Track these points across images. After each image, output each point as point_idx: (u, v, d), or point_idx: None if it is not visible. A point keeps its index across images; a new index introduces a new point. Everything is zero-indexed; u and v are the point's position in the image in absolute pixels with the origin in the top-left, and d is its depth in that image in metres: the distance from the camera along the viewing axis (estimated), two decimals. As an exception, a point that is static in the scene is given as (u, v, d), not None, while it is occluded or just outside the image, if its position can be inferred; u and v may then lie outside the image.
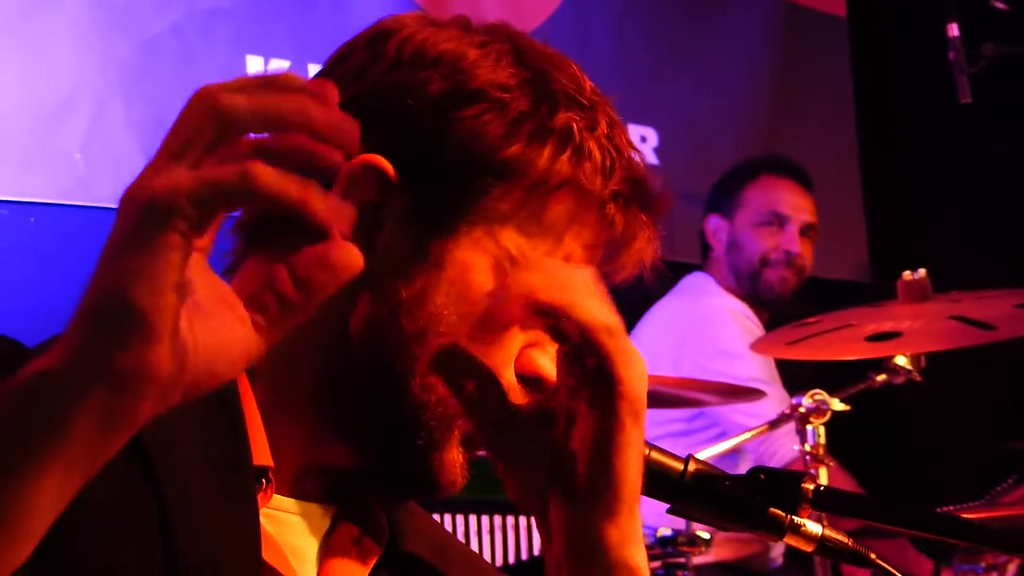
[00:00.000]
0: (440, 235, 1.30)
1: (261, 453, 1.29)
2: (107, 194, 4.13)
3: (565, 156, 1.31)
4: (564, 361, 1.23)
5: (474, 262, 1.30)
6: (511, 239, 1.31)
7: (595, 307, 1.19)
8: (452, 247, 1.30)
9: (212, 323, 0.96)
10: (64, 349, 0.93)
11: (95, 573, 1.16)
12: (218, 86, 0.95)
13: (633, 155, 1.37)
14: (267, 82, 0.95)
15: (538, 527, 1.29)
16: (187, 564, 1.19)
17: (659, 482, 1.29)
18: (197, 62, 4.36)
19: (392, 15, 1.40)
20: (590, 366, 1.19)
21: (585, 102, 1.33)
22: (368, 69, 1.33)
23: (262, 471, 1.29)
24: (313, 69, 4.28)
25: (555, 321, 1.19)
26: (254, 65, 4.45)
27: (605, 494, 1.20)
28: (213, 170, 0.92)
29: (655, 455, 1.30)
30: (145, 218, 0.91)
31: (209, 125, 0.94)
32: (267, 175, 0.92)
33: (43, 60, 4.10)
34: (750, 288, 4.52)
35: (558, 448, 1.24)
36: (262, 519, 1.26)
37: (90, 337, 0.92)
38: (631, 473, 1.21)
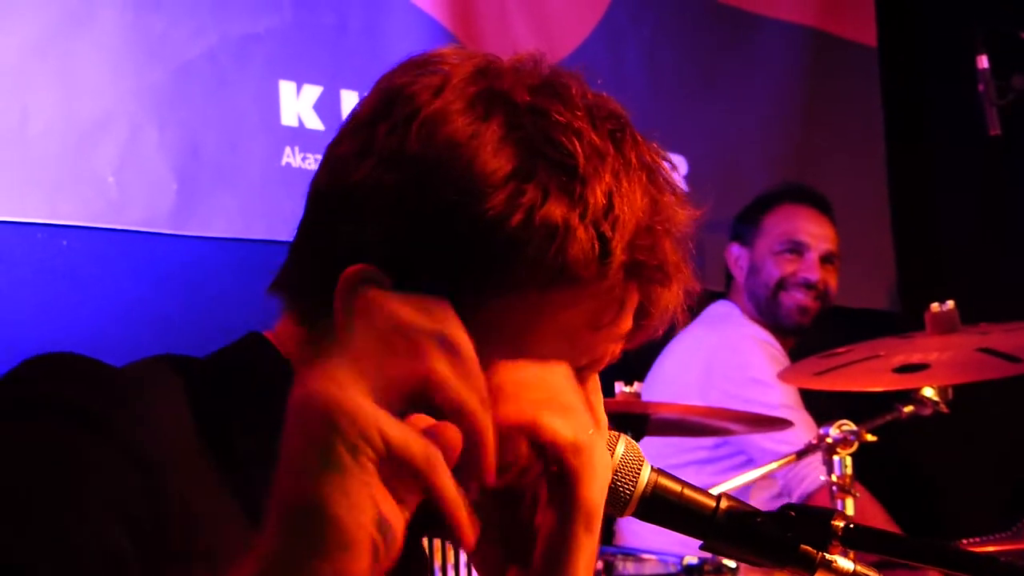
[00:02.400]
0: None
1: None
2: (139, 218, 4.15)
3: (552, 250, 1.28)
4: (534, 452, 1.24)
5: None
6: (513, 338, 1.31)
7: (559, 423, 1.20)
8: None
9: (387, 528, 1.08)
10: (262, 555, 1.05)
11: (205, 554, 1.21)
12: (429, 333, 1.11)
13: (659, 202, 1.34)
14: (470, 372, 1.11)
15: None
16: None
17: (692, 520, 1.31)
18: (230, 87, 4.36)
19: (405, 67, 1.40)
20: (553, 474, 1.20)
21: (579, 175, 1.30)
22: (363, 155, 1.33)
23: None
24: (346, 96, 4.37)
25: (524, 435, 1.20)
26: (287, 90, 4.47)
27: None
28: (409, 436, 1.06)
29: (688, 492, 1.32)
30: (343, 443, 1.04)
31: (408, 374, 1.10)
32: (445, 475, 1.08)
33: (77, 83, 4.10)
34: (769, 315, 4.51)
35: (519, 529, 1.27)
36: None
37: (293, 544, 1.04)
38: (580, 573, 1.23)
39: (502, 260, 1.29)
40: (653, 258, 1.34)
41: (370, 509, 1.06)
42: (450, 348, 1.12)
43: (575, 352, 1.33)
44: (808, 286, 4.50)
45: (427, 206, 1.29)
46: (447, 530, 1.10)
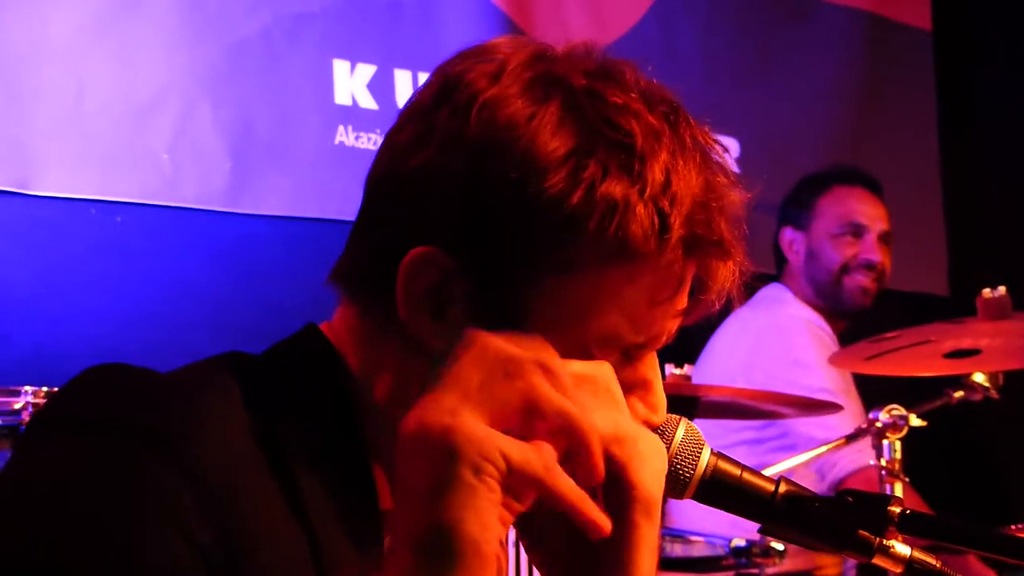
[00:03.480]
0: (504, 317, 1.29)
1: (384, 499, 1.35)
2: (192, 195, 4.18)
3: (612, 228, 1.29)
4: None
5: None
6: (573, 315, 1.31)
7: (602, 420, 1.20)
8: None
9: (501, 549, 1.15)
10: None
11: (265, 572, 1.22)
12: (530, 360, 1.17)
13: (712, 182, 1.35)
14: (561, 382, 1.18)
15: None
16: None
17: (751, 503, 1.32)
18: (284, 66, 4.38)
19: (464, 56, 1.40)
20: (606, 473, 1.21)
21: (637, 154, 1.30)
22: (425, 141, 1.34)
23: (386, 515, 1.34)
24: (399, 75, 4.38)
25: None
26: (340, 69, 4.47)
27: (618, 566, 1.24)
28: (527, 451, 1.13)
29: (747, 476, 1.33)
30: (467, 466, 1.11)
31: (515, 396, 1.16)
32: (564, 478, 1.15)
33: (132, 61, 4.12)
34: (831, 298, 4.49)
35: (576, 541, 1.27)
36: None
37: (427, 566, 1.11)
38: (644, 566, 1.24)
39: (563, 236, 1.29)
40: (711, 233, 1.34)
41: (497, 526, 1.12)
42: (547, 370, 1.16)
43: (634, 329, 1.33)
44: (870, 267, 4.48)
45: (489, 187, 1.30)
46: (581, 526, 1.17)
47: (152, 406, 1.25)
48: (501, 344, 1.17)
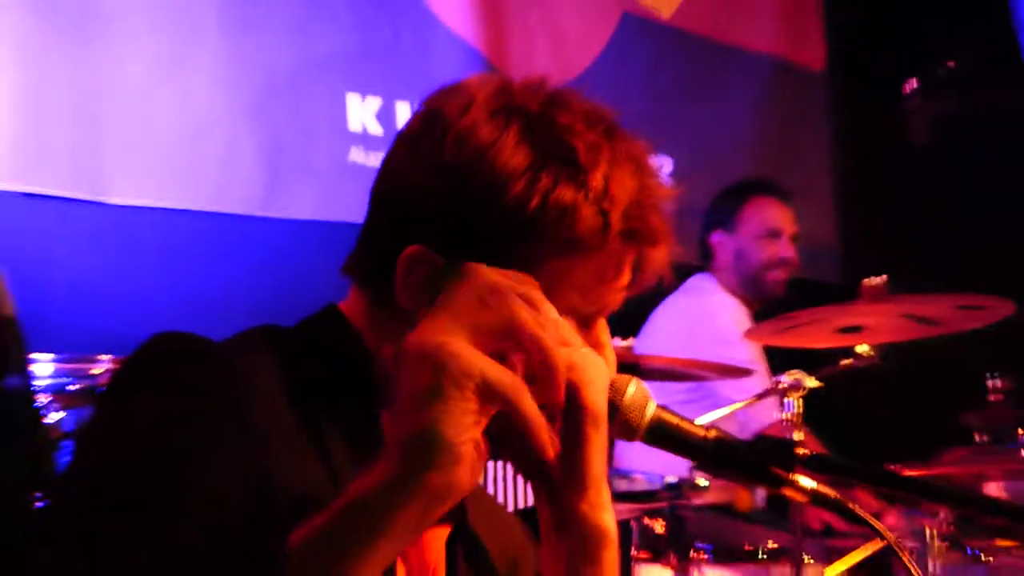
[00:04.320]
0: None
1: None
2: (235, 204, 4.19)
3: (564, 224, 1.30)
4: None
5: None
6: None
7: (561, 353, 1.18)
8: None
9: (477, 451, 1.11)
10: (385, 471, 1.09)
11: (298, 508, 1.20)
12: (515, 293, 1.14)
13: (640, 190, 1.35)
14: (541, 313, 1.15)
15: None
16: None
17: (687, 446, 1.31)
18: (308, 99, 4.38)
19: (442, 93, 1.40)
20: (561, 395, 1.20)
21: (581, 166, 1.31)
22: (414, 163, 1.35)
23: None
24: (400, 105, 4.36)
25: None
26: (353, 101, 4.47)
27: (575, 479, 1.22)
28: (502, 372, 1.10)
29: (684, 424, 1.32)
30: (449, 380, 1.08)
31: (498, 322, 1.13)
32: (529, 399, 1.12)
33: (187, 95, 4.12)
34: (753, 289, 4.48)
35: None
36: None
37: (410, 462, 1.08)
38: (596, 467, 1.22)
39: (526, 234, 1.30)
40: (644, 226, 1.35)
41: (471, 430, 1.09)
42: (531, 302, 1.15)
43: (586, 302, 1.34)
44: (785, 264, 4.49)
45: (464, 199, 1.31)
46: (527, 445, 1.15)
47: (208, 368, 1.25)
48: (490, 275, 1.16)
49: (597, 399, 1.21)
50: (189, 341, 1.28)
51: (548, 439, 1.17)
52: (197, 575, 1.13)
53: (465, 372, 1.09)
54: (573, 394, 1.20)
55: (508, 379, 1.11)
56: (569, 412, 1.21)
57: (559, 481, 1.23)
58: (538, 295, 1.17)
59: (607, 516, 1.25)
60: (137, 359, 1.28)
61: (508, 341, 1.13)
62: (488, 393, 1.10)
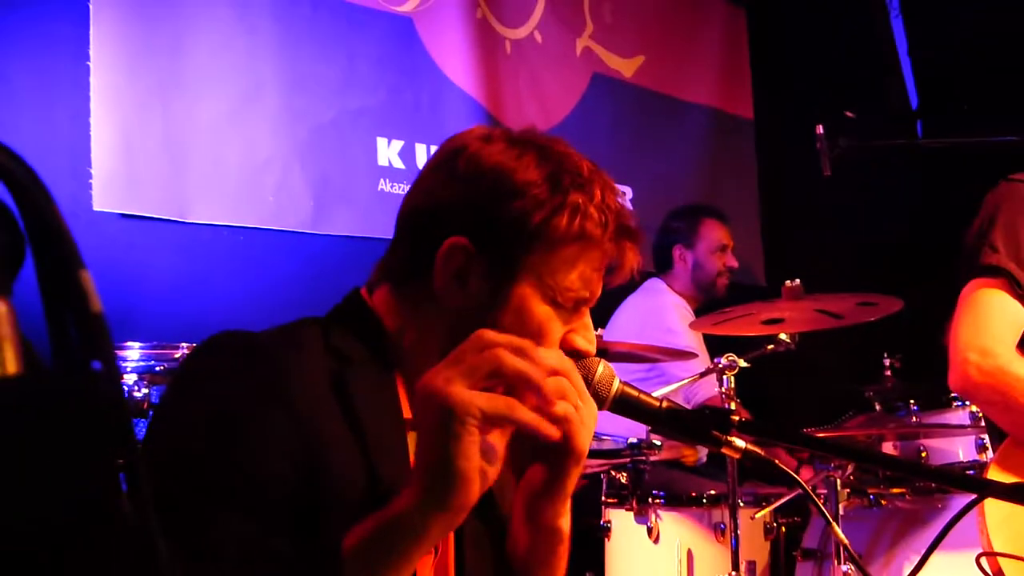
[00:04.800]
0: (507, 280, 1.30)
1: (406, 411, 1.32)
2: (289, 223, 4.16)
3: (576, 221, 1.30)
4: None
5: (528, 294, 1.30)
6: (550, 276, 1.31)
7: (560, 406, 1.18)
8: (515, 287, 1.30)
9: (485, 469, 1.13)
10: (417, 494, 1.11)
11: (338, 485, 1.19)
12: (500, 345, 1.14)
13: (621, 204, 1.35)
14: (526, 353, 1.15)
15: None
16: (382, 477, 1.23)
17: (645, 413, 1.29)
18: (346, 140, 4.35)
19: (460, 135, 1.39)
20: (559, 438, 1.19)
21: (585, 181, 1.32)
22: (449, 182, 1.33)
23: (408, 422, 1.31)
24: (419, 147, 4.33)
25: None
26: (381, 143, 4.45)
27: (550, 494, 1.25)
28: (495, 400, 1.12)
29: (643, 396, 1.30)
30: (455, 420, 1.10)
31: (489, 369, 1.13)
32: (523, 410, 1.14)
33: (250, 137, 4.10)
34: (706, 292, 4.48)
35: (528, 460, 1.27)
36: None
37: (435, 488, 1.10)
38: (569, 487, 1.25)
39: (545, 229, 1.29)
40: (628, 229, 1.35)
41: (476, 457, 1.11)
42: (522, 351, 1.16)
43: (583, 286, 1.32)
44: (730, 272, 4.50)
45: (495, 203, 1.30)
46: (538, 440, 1.16)
47: (258, 361, 1.21)
48: (489, 334, 1.16)
49: (584, 445, 1.21)
50: (244, 340, 1.25)
51: (550, 428, 1.17)
52: (262, 548, 1.10)
53: (465, 411, 1.10)
54: (567, 438, 1.19)
55: (501, 402, 1.12)
56: (561, 449, 1.21)
57: (537, 489, 1.25)
58: (530, 345, 1.17)
59: (565, 521, 1.28)
60: (199, 352, 1.25)
61: (496, 380, 1.13)
62: (488, 420, 1.11)
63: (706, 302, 4.46)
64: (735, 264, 4.52)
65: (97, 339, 0.49)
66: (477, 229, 1.29)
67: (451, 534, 1.30)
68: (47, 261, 0.48)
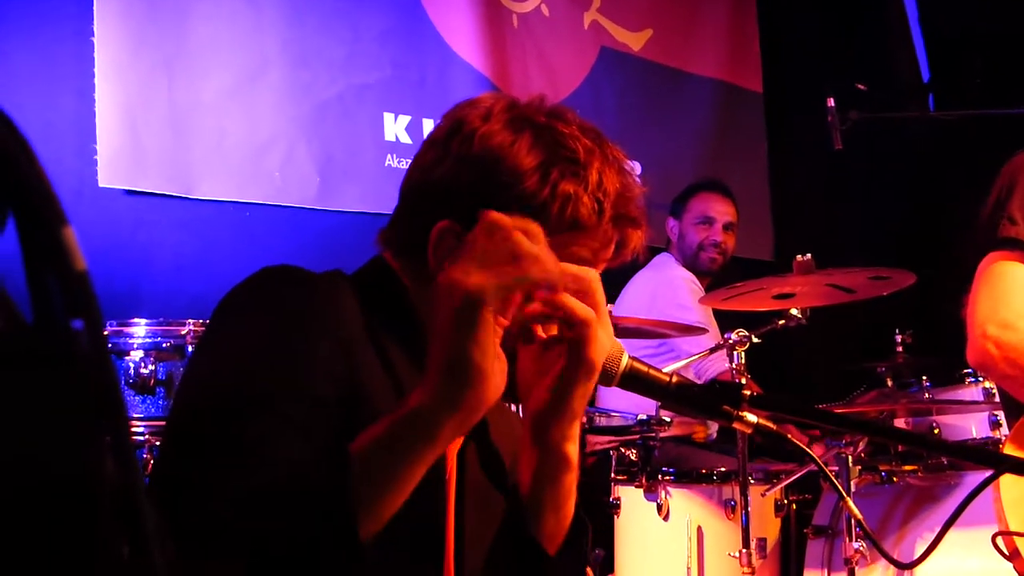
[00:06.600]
0: None
1: None
2: (295, 199, 4.16)
3: (568, 210, 1.28)
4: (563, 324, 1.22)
5: None
6: None
7: (581, 305, 1.19)
8: None
9: (498, 366, 1.10)
10: (430, 391, 1.08)
11: (374, 419, 1.16)
12: (514, 230, 1.12)
13: (622, 185, 1.33)
14: (535, 236, 1.14)
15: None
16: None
17: (655, 389, 1.27)
18: (353, 116, 4.33)
19: (462, 106, 1.37)
20: (571, 338, 1.20)
21: (580, 166, 1.29)
22: (443, 159, 1.32)
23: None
24: (426, 122, 4.31)
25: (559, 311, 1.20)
26: (388, 119, 4.43)
27: (558, 411, 1.22)
28: (503, 270, 1.10)
29: (652, 371, 1.28)
30: (469, 306, 1.07)
31: (506, 252, 1.11)
32: (537, 268, 1.12)
33: (255, 112, 4.09)
34: (691, 265, 4.46)
35: (536, 367, 1.26)
36: None
37: (449, 383, 1.08)
38: (578, 402, 1.22)
39: (537, 218, 1.25)
40: (627, 213, 1.33)
41: (491, 350, 1.08)
42: (530, 235, 1.14)
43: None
44: (715, 246, 4.43)
45: (487, 186, 1.28)
46: (552, 341, 1.18)
47: (308, 289, 1.23)
48: (497, 216, 1.14)
49: (597, 356, 1.20)
50: (291, 270, 1.25)
51: (571, 300, 1.17)
52: (307, 459, 1.10)
53: (479, 290, 1.08)
54: (577, 347, 1.18)
55: (508, 268, 1.11)
56: (572, 359, 1.20)
57: (544, 408, 1.22)
58: (536, 228, 1.15)
59: (573, 447, 1.25)
60: (248, 284, 1.24)
61: (515, 262, 1.12)
62: (503, 289, 1.09)
63: (716, 278, 4.44)
64: (717, 238, 4.42)
65: (80, 297, 0.46)
66: (468, 213, 1.26)
67: (452, 494, 1.29)
68: (27, 218, 0.46)
